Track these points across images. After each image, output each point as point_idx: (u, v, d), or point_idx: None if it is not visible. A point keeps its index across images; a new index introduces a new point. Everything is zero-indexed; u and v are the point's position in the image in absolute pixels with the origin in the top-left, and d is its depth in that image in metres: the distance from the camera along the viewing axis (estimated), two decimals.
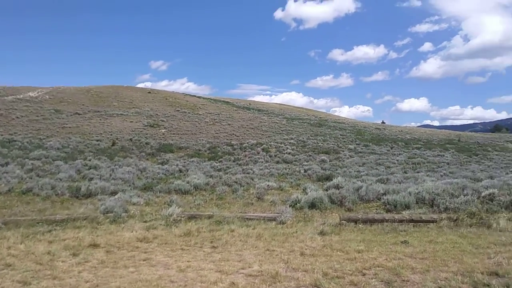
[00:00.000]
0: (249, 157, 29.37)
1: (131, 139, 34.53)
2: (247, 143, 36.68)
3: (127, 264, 5.78)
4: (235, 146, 35.45)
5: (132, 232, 8.10)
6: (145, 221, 9.26)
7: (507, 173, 24.55)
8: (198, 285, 4.77)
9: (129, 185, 15.94)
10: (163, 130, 40.37)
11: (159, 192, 14.24)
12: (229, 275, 5.11)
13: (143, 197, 13.08)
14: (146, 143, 33.71)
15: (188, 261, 5.88)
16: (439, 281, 4.67)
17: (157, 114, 49.13)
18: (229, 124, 48.38)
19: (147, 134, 37.85)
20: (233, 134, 42.40)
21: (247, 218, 9.49)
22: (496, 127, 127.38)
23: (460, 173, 26.30)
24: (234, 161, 28.20)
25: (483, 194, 11.69)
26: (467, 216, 9.08)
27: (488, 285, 4.42)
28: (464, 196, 11.50)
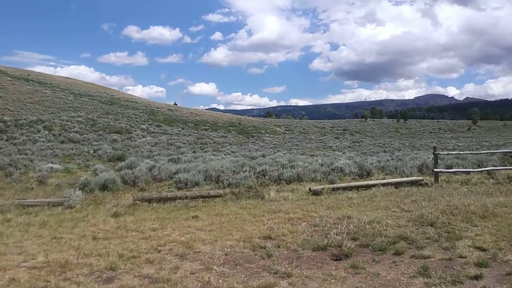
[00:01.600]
0: (26, 136, 25.47)
1: None
2: (25, 119, 31.63)
3: None
4: (8, 122, 30.06)
5: None
6: None
7: (275, 152, 29.16)
8: None
9: None
10: None
11: None
12: (7, 271, 4.45)
13: None
14: None
15: None
16: (225, 248, 5.29)
17: None
18: (0, 97, 40.50)
19: None
20: (6, 108, 35.78)
21: (27, 205, 8.32)
22: (268, 113, 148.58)
23: (240, 152, 29.71)
24: (7, 140, 23.96)
25: (258, 170, 13.57)
26: (246, 190, 10.43)
27: (264, 247, 5.26)
28: (243, 172, 13.10)
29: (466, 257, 4.53)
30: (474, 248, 4.85)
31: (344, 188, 10.28)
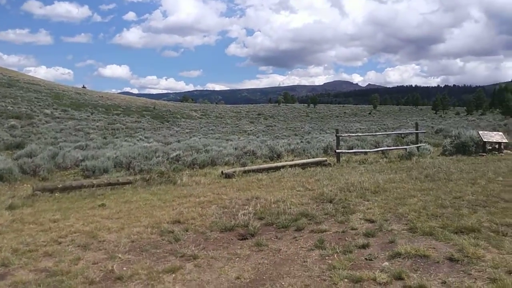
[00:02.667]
0: None
1: None
2: None
3: None
4: None
5: None
6: None
7: (190, 137, 28.92)
8: None
9: None
10: None
11: None
12: None
13: None
14: None
15: None
16: (132, 236, 5.20)
17: None
18: None
19: None
20: None
21: None
22: (185, 97, 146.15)
23: (154, 138, 28.91)
24: None
25: (171, 155, 13.40)
26: (157, 176, 10.27)
27: (172, 232, 5.28)
28: (156, 158, 12.86)
29: (357, 229, 5.02)
30: (365, 220, 5.39)
31: (255, 171, 10.63)
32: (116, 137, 28.43)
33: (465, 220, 4.85)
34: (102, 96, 64.55)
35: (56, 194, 8.55)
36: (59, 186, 8.99)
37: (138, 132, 37.64)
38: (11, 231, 5.60)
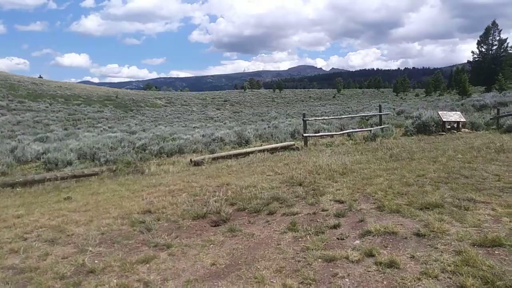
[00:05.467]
0: None
1: None
2: None
3: None
4: None
5: None
6: None
7: (156, 126, 28.40)
8: None
9: None
10: None
11: None
12: None
13: None
14: None
15: None
16: (102, 228, 5.07)
17: None
18: None
19: None
20: None
21: None
22: (148, 85, 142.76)
23: (118, 127, 28.18)
24: None
25: (137, 145, 13.14)
26: (124, 166, 10.06)
27: (143, 222, 5.20)
28: (122, 148, 12.57)
29: (327, 210, 5.13)
30: (335, 201, 5.51)
31: (224, 157, 10.62)
32: (78, 128, 27.50)
33: (429, 196, 5.06)
34: (60, 86, 61.89)
35: (18, 189, 8.22)
36: (19, 180, 8.63)
37: (101, 122, 36.52)
38: None
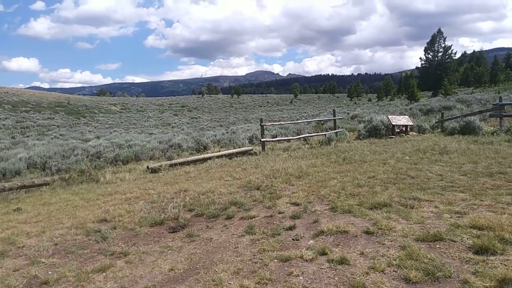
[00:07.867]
0: None
1: None
2: None
3: None
4: None
5: None
6: None
7: (111, 132, 27.62)
8: None
9: None
10: None
11: None
12: None
13: None
14: None
15: None
16: (55, 238, 4.93)
17: None
18: None
19: None
20: None
21: None
22: (102, 91, 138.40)
23: (70, 135, 27.13)
24: None
25: (91, 152, 12.77)
26: (78, 175, 9.76)
27: (99, 231, 5.11)
28: (75, 156, 12.16)
29: (284, 213, 5.28)
30: (291, 204, 5.68)
31: (182, 163, 10.57)
32: (27, 136, 26.20)
33: (379, 196, 5.35)
34: (7, 92, 58.61)
35: None
36: None
37: (52, 129, 34.97)
38: None
